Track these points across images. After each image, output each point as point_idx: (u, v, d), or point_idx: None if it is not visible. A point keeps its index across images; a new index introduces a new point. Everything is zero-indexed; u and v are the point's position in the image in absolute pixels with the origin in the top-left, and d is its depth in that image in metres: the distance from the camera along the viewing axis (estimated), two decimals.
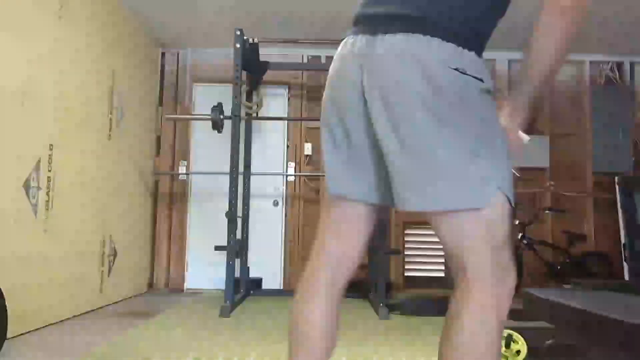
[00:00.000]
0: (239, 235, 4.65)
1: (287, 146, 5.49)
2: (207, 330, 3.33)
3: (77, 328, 3.35)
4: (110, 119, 4.31)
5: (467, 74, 1.08)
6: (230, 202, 4.11)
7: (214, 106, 4.43)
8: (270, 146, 5.48)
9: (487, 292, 1.06)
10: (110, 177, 4.31)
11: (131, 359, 2.57)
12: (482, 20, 1.14)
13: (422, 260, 5.50)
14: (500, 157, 1.14)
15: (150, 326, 3.43)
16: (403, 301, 4.23)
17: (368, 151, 1.17)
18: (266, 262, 5.38)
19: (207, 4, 4.57)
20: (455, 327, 1.05)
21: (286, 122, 5.46)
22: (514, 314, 4.40)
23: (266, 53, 5.04)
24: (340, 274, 1.25)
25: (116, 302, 4.43)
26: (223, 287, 4.21)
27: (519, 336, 2.53)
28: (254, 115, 5.17)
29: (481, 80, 1.10)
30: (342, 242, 1.25)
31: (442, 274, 5.47)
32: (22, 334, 3.05)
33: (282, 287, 5.33)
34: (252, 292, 5.05)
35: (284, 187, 5.48)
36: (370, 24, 1.15)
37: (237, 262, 4.72)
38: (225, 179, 4.45)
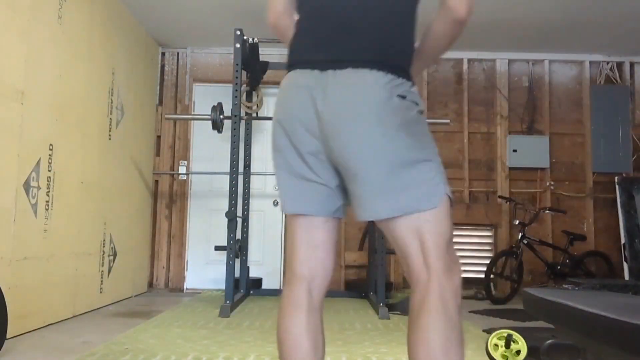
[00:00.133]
0: (239, 235, 4.65)
1: None
2: (207, 330, 3.33)
3: (77, 328, 3.35)
4: (110, 119, 4.31)
5: (407, 100, 1.27)
6: (230, 202, 4.11)
7: (213, 106, 4.43)
8: (270, 146, 5.47)
9: (445, 283, 1.23)
10: (110, 177, 4.31)
11: (131, 359, 2.57)
12: (410, 54, 1.35)
13: None
14: (440, 161, 1.31)
15: (150, 326, 3.43)
16: (403, 301, 4.23)
17: (320, 171, 1.30)
18: (266, 262, 5.38)
19: (207, 4, 4.57)
20: (424, 314, 1.17)
21: None
22: (514, 314, 4.41)
23: (266, 53, 5.04)
24: (315, 285, 1.33)
25: (116, 302, 4.43)
26: (223, 287, 4.21)
27: (519, 336, 2.53)
28: (254, 115, 5.17)
29: (417, 104, 1.30)
30: (311, 255, 1.33)
31: None
32: (22, 334, 3.05)
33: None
34: (252, 292, 5.05)
35: None
36: (317, 62, 1.29)
37: (237, 262, 4.73)
38: (225, 179, 4.45)
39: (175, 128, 5.53)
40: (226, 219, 4.10)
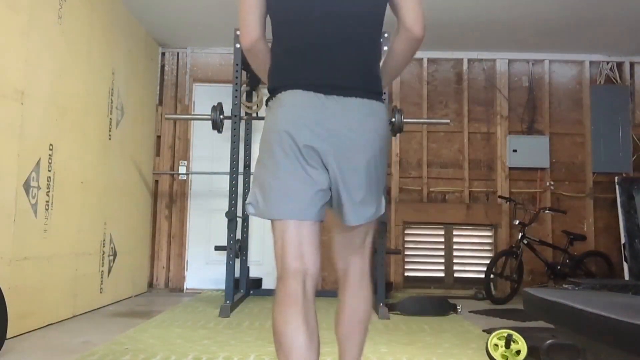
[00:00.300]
0: (239, 235, 4.65)
1: None
2: (207, 330, 3.33)
3: (77, 328, 3.35)
4: (110, 119, 4.32)
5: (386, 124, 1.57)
6: (230, 202, 4.11)
7: (213, 106, 4.43)
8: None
9: (369, 268, 1.69)
10: (110, 177, 4.31)
11: (131, 359, 2.57)
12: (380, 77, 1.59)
13: (422, 260, 5.50)
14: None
15: (150, 326, 3.43)
16: (403, 301, 4.23)
17: (312, 180, 1.44)
18: (266, 262, 5.38)
19: (207, 4, 4.57)
20: (362, 288, 1.66)
21: None
22: (514, 314, 4.41)
23: None
24: (308, 279, 1.44)
25: (116, 302, 4.43)
26: (223, 287, 4.22)
27: (519, 336, 2.53)
28: (254, 115, 5.17)
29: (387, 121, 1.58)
30: (303, 252, 1.45)
31: (442, 274, 5.47)
32: (22, 334, 3.05)
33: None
34: (252, 292, 5.05)
35: None
36: (317, 86, 1.45)
37: (237, 262, 4.73)
38: (225, 179, 4.45)
39: (175, 128, 5.53)
40: (226, 219, 4.10)
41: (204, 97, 5.49)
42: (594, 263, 5.31)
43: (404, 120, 4.39)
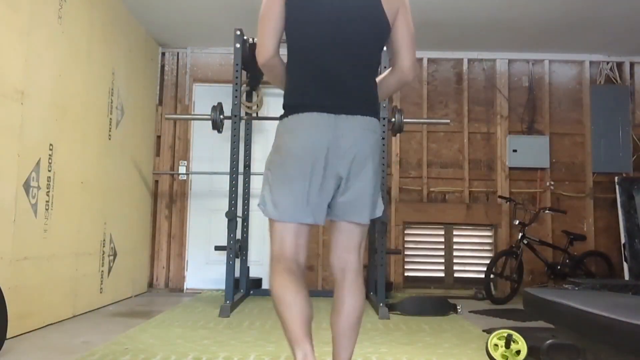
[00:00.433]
0: (239, 235, 4.65)
1: None
2: (207, 330, 3.33)
3: (77, 328, 3.35)
4: (110, 119, 4.32)
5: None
6: (230, 202, 4.11)
7: (213, 106, 4.43)
8: (270, 146, 5.46)
9: (362, 267, 1.86)
10: (110, 177, 4.31)
11: (131, 359, 2.57)
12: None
13: (422, 260, 5.50)
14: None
15: (150, 326, 3.43)
16: (403, 301, 4.23)
17: (319, 190, 1.74)
18: (266, 262, 5.37)
19: (207, 3, 4.57)
20: (358, 283, 1.81)
21: None
22: (514, 314, 4.41)
23: None
24: (299, 260, 1.80)
25: (116, 302, 4.43)
26: (223, 287, 4.22)
27: (519, 336, 2.53)
28: (254, 115, 5.17)
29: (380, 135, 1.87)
30: (297, 243, 1.80)
31: (442, 274, 5.47)
32: (22, 334, 3.05)
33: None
34: (252, 292, 5.05)
35: None
36: (329, 107, 1.73)
37: (237, 262, 4.73)
38: (225, 179, 4.45)
39: (175, 128, 5.53)
40: (226, 219, 4.10)
41: (204, 97, 5.49)
42: (594, 263, 5.31)
43: (404, 120, 4.39)
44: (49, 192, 3.37)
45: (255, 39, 4.52)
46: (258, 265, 5.34)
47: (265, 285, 5.28)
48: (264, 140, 5.45)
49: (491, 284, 4.89)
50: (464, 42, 5.37)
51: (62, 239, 3.54)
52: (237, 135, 4.18)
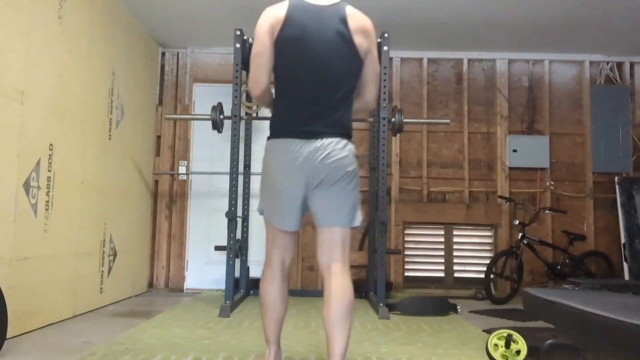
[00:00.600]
0: (239, 235, 4.65)
1: None
2: (207, 330, 3.33)
3: (77, 328, 3.35)
4: (110, 119, 4.32)
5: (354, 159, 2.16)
6: (230, 202, 4.11)
7: (213, 106, 4.43)
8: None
9: (348, 266, 2.10)
10: (110, 177, 4.31)
11: (131, 359, 2.57)
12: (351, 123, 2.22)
13: (422, 260, 5.50)
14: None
15: (150, 326, 3.43)
16: (403, 301, 4.23)
17: (300, 202, 2.10)
18: None
19: (207, 3, 4.57)
20: (344, 283, 2.03)
21: None
22: (514, 314, 4.40)
23: None
24: (286, 261, 2.22)
25: (116, 302, 4.43)
26: (223, 287, 4.21)
27: (519, 336, 2.53)
28: (254, 115, 5.17)
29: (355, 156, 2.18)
30: (285, 245, 2.21)
31: (442, 274, 5.47)
32: (22, 334, 3.05)
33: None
34: (252, 292, 5.05)
35: None
36: (305, 133, 2.06)
37: (237, 262, 4.73)
38: (225, 179, 4.45)
39: (175, 128, 5.53)
40: (226, 219, 4.10)
41: (204, 97, 5.48)
42: (594, 263, 5.31)
43: (404, 120, 4.39)
44: (49, 192, 3.37)
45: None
46: (258, 265, 5.33)
47: None
48: (263, 141, 5.42)
49: (491, 284, 4.89)
50: (464, 42, 5.37)
51: (62, 239, 3.54)
52: (237, 135, 4.18)
